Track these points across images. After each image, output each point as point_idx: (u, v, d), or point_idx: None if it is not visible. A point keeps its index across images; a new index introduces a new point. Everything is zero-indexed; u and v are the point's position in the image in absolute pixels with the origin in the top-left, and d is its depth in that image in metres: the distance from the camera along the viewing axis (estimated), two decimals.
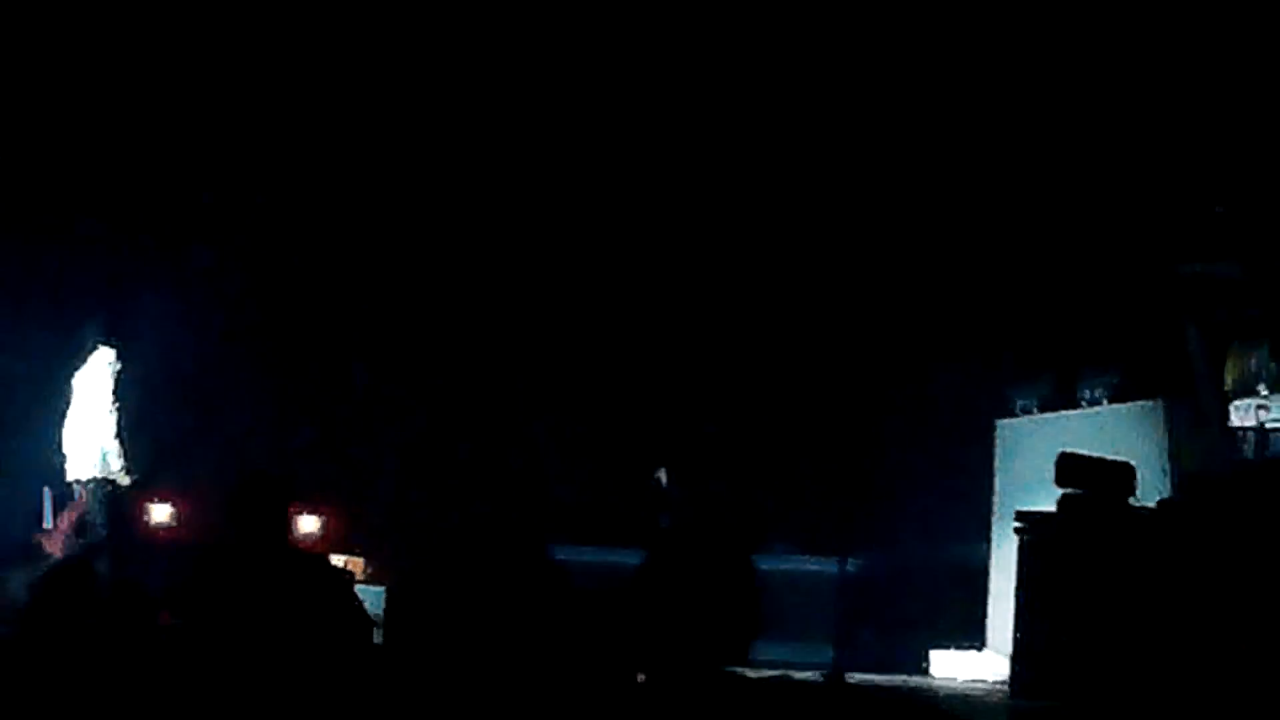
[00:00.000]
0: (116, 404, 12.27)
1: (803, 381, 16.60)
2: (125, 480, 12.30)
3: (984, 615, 13.89)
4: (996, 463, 14.39)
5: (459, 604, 5.63)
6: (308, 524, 14.27)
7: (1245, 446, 11.56)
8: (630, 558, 5.12)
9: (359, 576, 12.92)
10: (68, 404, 12.41)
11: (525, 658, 5.54)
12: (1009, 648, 11.54)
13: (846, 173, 15.86)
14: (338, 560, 12.57)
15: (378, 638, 7.83)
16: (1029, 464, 13.12)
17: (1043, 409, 14.13)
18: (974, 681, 13.20)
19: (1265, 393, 11.59)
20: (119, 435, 12.25)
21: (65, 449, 12.33)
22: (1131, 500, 10.82)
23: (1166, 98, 13.63)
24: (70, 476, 12.28)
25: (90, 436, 12.28)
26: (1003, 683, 11.91)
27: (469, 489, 15.93)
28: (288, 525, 8.87)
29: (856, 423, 16.27)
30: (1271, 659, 9.21)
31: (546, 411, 16.84)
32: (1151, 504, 10.70)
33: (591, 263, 16.71)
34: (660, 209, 16.52)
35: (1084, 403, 13.67)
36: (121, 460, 12.23)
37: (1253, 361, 11.79)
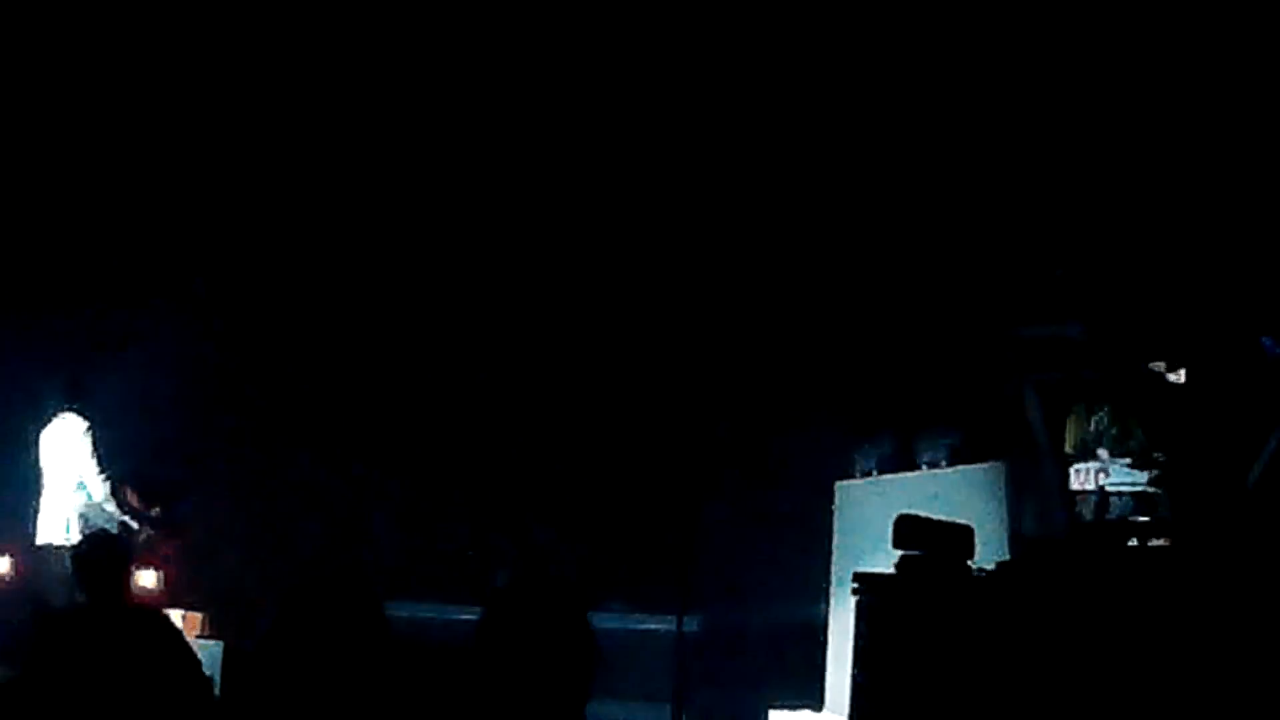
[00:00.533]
0: (103, 472, 12.21)
1: (644, 438, 16.55)
2: (145, 533, 12.50)
3: (823, 675, 13.87)
4: (836, 524, 14.40)
5: (295, 662, 5.51)
6: (146, 578, 14.06)
7: (1085, 510, 11.65)
8: (468, 615, 5.01)
9: (196, 632, 12.75)
10: (37, 470, 12.33)
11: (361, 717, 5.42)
12: (848, 708, 11.50)
13: (692, 226, 15.84)
14: (175, 615, 12.40)
15: (216, 694, 7.75)
16: (868, 525, 13.12)
17: (882, 470, 14.18)
18: None
19: (1105, 456, 11.70)
20: (118, 497, 12.33)
21: (40, 515, 12.31)
22: (970, 563, 10.82)
23: (1004, 159, 13.76)
24: (41, 541, 12.10)
25: (65, 502, 12.17)
26: None
27: (304, 543, 15.74)
28: (127, 583, 8.87)
29: (696, 481, 16.24)
30: None
31: (383, 467, 16.67)
32: (990, 567, 10.71)
33: (423, 323, 16.59)
34: (477, 273, 16.47)
35: (923, 465, 13.73)
36: (132, 519, 12.32)
37: (1093, 424, 11.89)
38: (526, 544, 15.68)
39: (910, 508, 11.54)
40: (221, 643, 12.21)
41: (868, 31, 14.38)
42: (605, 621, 11.15)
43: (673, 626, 14.36)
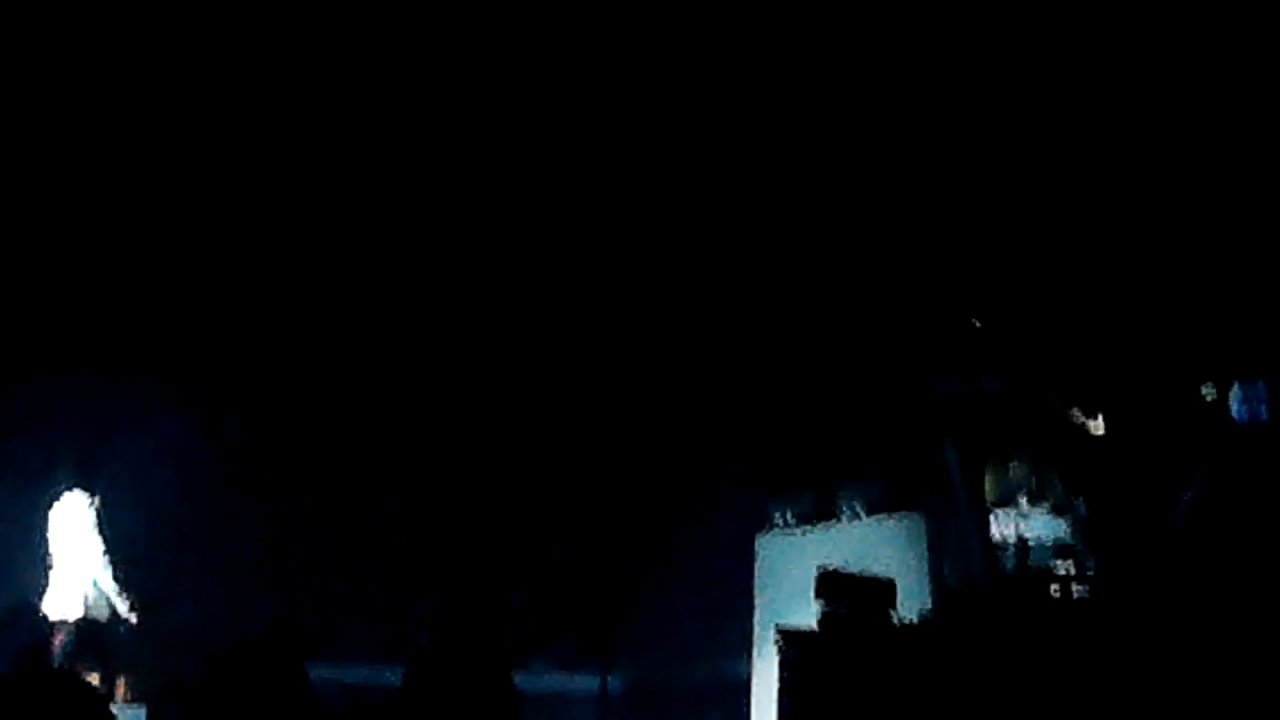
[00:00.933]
0: (104, 546, 12.19)
1: (563, 495, 16.51)
2: (132, 618, 12.29)
3: None
4: (757, 577, 14.38)
5: None
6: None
7: (1006, 559, 11.70)
8: (391, 675, 4.96)
9: (119, 697, 12.63)
10: (45, 547, 12.24)
11: None
12: None
13: (621, 287, 15.88)
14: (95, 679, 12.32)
15: None
16: (790, 578, 13.11)
17: (802, 523, 14.18)
18: None
19: (1024, 505, 11.76)
20: (115, 575, 12.20)
21: (48, 591, 12.19)
22: (892, 614, 10.84)
23: (919, 212, 13.84)
24: (55, 617, 12.04)
25: (73, 578, 12.13)
26: None
27: (228, 602, 15.62)
28: (48, 651, 8.82)
29: (617, 538, 16.22)
30: None
31: (305, 527, 16.57)
32: (913, 618, 10.72)
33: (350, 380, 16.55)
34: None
35: (844, 517, 13.75)
36: (124, 598, 12.18)
37: (1011, 474, 11.95)
38: (449, 605, 15.60)
39: (831, 559, 11.56)
40: (145, 707, 12.08)
41: (786, 85, 14.46)
42: (529, 681, 11.07)
43: (596, 684, 14.31)
